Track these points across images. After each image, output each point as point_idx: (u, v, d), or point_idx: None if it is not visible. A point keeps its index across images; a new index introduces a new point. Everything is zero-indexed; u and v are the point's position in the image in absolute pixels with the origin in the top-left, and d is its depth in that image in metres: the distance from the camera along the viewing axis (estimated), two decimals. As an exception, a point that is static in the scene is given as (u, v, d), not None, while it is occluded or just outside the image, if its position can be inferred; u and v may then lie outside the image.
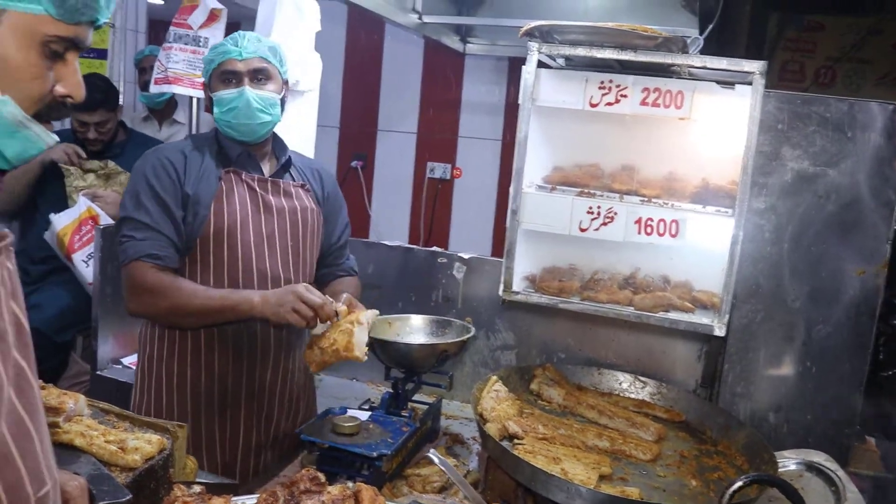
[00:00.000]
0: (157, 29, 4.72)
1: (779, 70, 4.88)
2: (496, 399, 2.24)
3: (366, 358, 2.05)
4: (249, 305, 2.01)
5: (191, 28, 3.18)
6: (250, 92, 2.10)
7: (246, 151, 2.22)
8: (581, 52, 2.28)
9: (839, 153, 2.25)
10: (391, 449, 1.97)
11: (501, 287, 2.49)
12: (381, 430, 2.10)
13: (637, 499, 1.76)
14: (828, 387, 2.34)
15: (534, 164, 2.47)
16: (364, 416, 2.19)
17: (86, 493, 1.24)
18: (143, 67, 4.17)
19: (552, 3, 4.25)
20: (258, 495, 1.43)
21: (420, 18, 3.95)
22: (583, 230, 2.38)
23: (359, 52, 5.34)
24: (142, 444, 1.53)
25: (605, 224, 2.35)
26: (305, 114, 3.08)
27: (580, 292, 2.50)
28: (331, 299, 2.04)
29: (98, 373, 2.97)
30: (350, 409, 2.25)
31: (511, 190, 2.44)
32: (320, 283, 2.43)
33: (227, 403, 2.22)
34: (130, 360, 3.07)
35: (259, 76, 2.13)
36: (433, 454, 1.83)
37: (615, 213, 2.34)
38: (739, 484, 1.64)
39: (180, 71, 3.20)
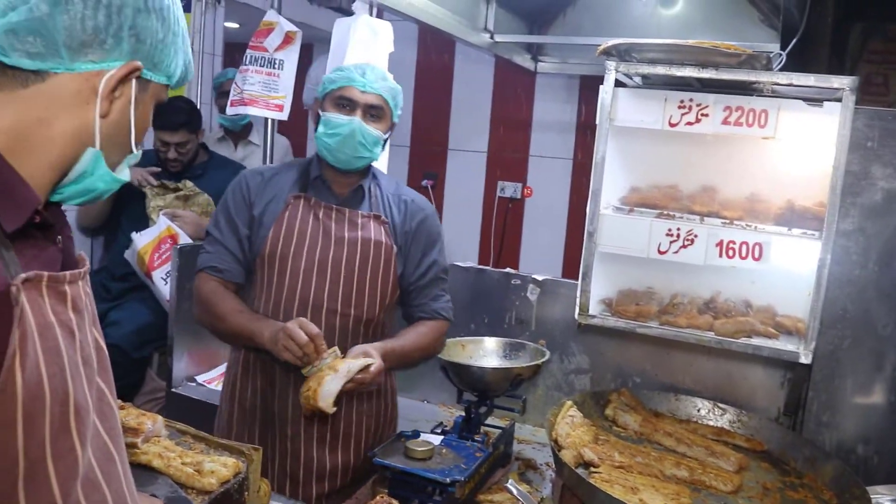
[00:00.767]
0: (233, 52, 4.83)
1: (861, 83, 4.71)
2: (571, 425, 2.19)
3: (332, 410, 1.94)
4: (260, 338, 2.04)
5: (266, 50, 3.23)
6: (360, 124, 2.11)
7: (321, 177, 2.22)
8: (660, 70, 2.23)
9: (934, 172, 2.15)
10: (465, 475, 1.94)
11: (577, 310, 2.44)
12: (455, 454, 2.07)
13: (721, 534, 1.69)
14: (923, 418, 2.22)
15: (611, 185, 2.43)
16: (437, 440, 2.17)
17: None
18: (224, 91, 4.27)
19: (625, 20, 4.20)
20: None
21: (492, 38, 3.94)
22: (662, 253, 2.32)
23: (429, 72, 5.36)
24: (217, 468, 1.53)
25: (684, 247, 2.29)
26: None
27: (658, 316, 2.44)
28: (321, 338, 1.97)
29: (173, 390, 3.02)
30: (423, 432, 2.23)
31: (588, 211, 2.40)
32: (408, 323, 2.38)
33: (291, 423, 2.21)
34: (205, 377, 3.11)
35: (373, 112, 2.14)
36: (512, 485, 1.80)
37: (695, 236, 2.28)
38: (833, 522, 1.56)
39: (256, 93, 3.25)
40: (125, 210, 3.63)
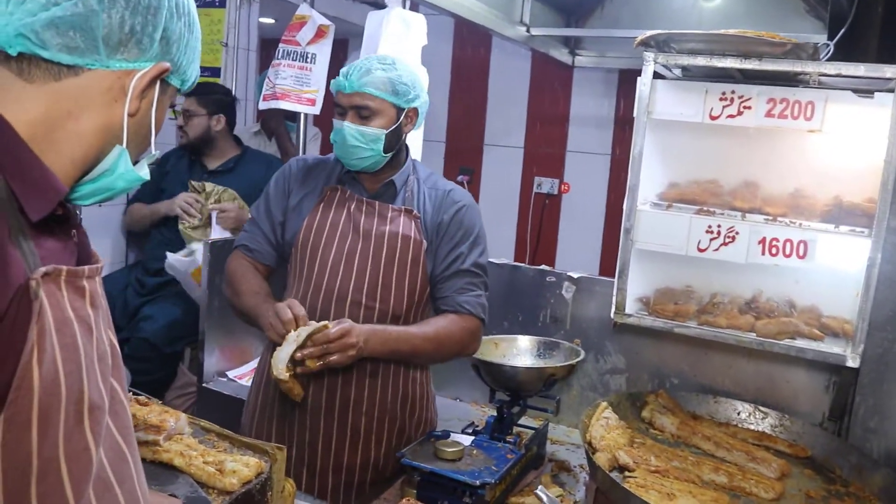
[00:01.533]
0: (269, 47, 4.82)
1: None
2: (606, 427, 2.12)
3: (283, 376, 1.86)
4: (263, 321, 2.03)
5: (298, 45, 3.21)
6: (348, 127, 2.10)
7: (351, 172, 2.22)
8: (700, 61, 2.15)
9: None
10: (495, 477, 1.89)
11: (613, 309, 2.37)
12: (485, 456, 2.03)
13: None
14: (978, 426, 2.12)
15: (648, 181, 2.35)
16: (467, 440, 2.12)
17: None
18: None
19: (664, 13, 4.10)
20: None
21: (528, 31, 3.87)
22: (701, 250, 2.24)
23: (465, 66, 5.31)
24: (239, 468, 1.50)
25: (725, 244, 2.20)
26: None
27: (697, 316, 2.36)
28: (305, 319, 1.94)
29: (204, 385, 3.01)
30: (453, 432, 2.18)
31: (624, 207, 2.33)
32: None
33: (310, 416, 2.18)
34: (235, 373, 3.10)
35: (362, 112, 2.10)
36: (542, 491, 1.75)
37: (737, 233, 2.20)
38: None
39: (288, 87, 3.22)
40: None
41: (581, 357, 2.34)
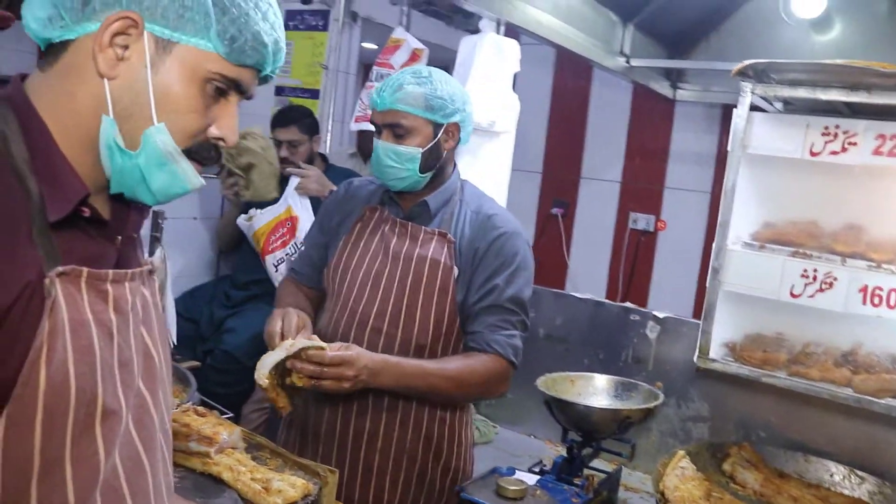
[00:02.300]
0: (368, 71, 4.89)
1: None
2: (681, 477, 2.00)
3: (262, 382, 1.71)
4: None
5: (392, 67, 3.22)
6: (382, 146, 2.00)
7: (389, 191, 2.12)
8: (802, 93, 2.02)
9: None
10: (556, 521, 1.80)
11: (696, 352, 2.24)
12: (549, 497, 1.93)
13: None
14: None
15: (741, 219, 2.22)
16: (532, 479, 2.03)
17: None
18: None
19: (774, 45, 3.92)
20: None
21: (628, 62, 3.78)
22: (795, 296, 2.08)
23: (565, 97, 5.24)
24: (285, 487, 1.47)
25: (821, 290, 2.05)
26: (500, 154, 3.01)
27: (788, 366, 2.20)
28: (293, 329, 1.84)
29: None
30: (519, 469, 2.10)
31: (714, 246, 2.21)
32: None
33: (323, 443, 2.07)
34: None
35: (396, 130, 1.98)
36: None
37: (835, 279, 2.04)
38: None
39: (381, 110, 3.23)
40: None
41: (659, 401, 2.21)
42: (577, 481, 2.05)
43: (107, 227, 0.98)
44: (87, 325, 0.88)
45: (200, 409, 1.72)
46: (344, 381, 1.79)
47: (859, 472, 2.16)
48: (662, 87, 4.34)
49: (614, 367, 2.70)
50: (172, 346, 2.27)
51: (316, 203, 3.38)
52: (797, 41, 3.82)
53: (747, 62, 2.06)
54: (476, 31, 3.09)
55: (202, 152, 1.00)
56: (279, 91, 4.62)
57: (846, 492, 2.14)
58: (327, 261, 2.16)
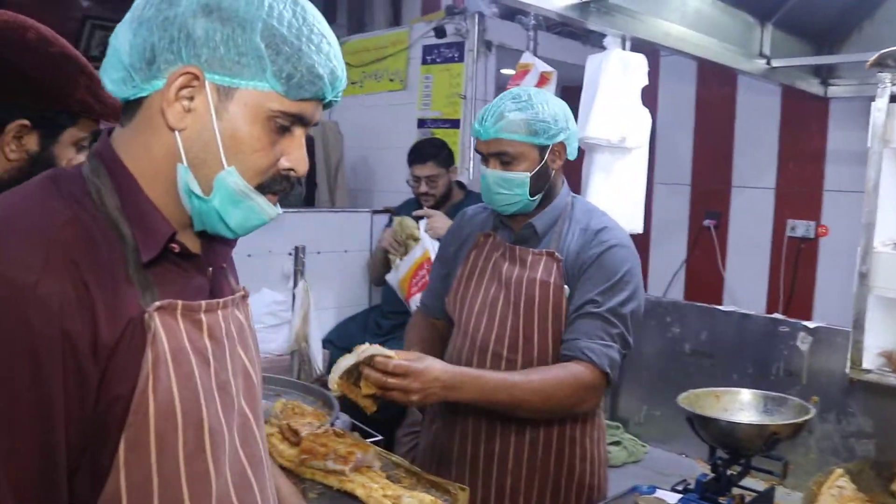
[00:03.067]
0: (506, 98, 4.94)
1: None
2: (838, 498, 1.89)
3: (332, 385, 1.74)
4: None
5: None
6: (490, 175, 2.03)
7: (500, 216, 2.15)
8: (946, 80, 1.88)
9: None
10: (695, 542, 1.74)
11: (848, 363, 2.11)
12: (691, 517, 1.88)
13: None
14: None
15: (890, 218, 2.08)
16: (674, 498, 1.98)
17: None
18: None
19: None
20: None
21: (769, 63, 3.62)
22: (954, 297, 1.93)
23: (710, 105, 5.07)
24: None
25: (983, 289, 1.88)
26: (633, 170, 2.97)
27: (954, 374, 2.03)
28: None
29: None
30: (661, 489, 2.05)
31: (859, 249, 2.08)
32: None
33: (458, 471, 2.10)
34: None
35: (502, 158, 2.01)
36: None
37: None
38: None
39: (513, 135, 3.27)
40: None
41: (809, 416, 2.09)
42: (722, 501, 1.97)
43: (197, 260, 1.06)
44: (185, 352, 0.96)
45: (339, 430, 1.81)
46: (411, 394, 1.75)
47: None
48: (811, 86, 4.11)
49: (765, 382, 2.58)
50: (318, 372, 2.39)
51: None
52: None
53: (883, 51, 1.95)
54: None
55: (274, 185, 1.04)
56: (421, 123, 4.78)
57: None
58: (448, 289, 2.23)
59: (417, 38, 4.81)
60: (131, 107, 1.01)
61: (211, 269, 1.08)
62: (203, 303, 1.02)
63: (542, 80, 3.25)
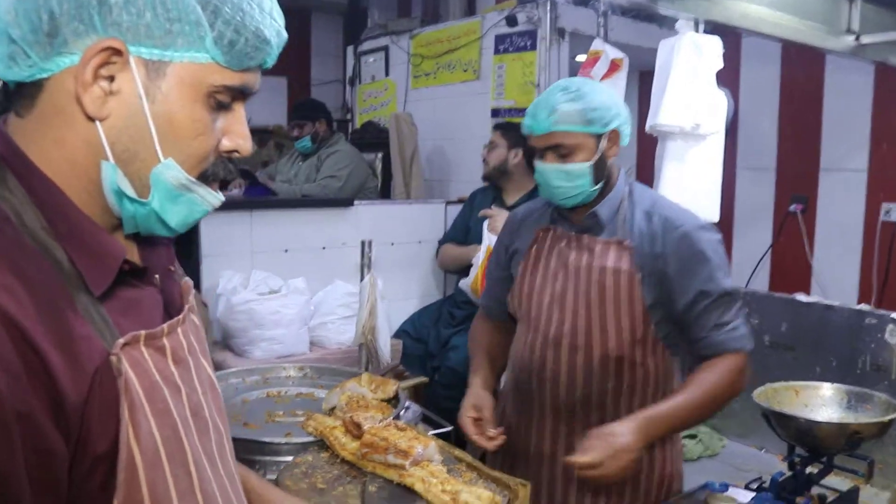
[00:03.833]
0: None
1: None
2: (926, 499, 1.78)
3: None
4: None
5: (593, 80, 3.20)
6: (549, 169, 1.99)
7: (558, 208, 2.12)
8: None
9: None
10: (768, 543, 1.68)
11: (937, 356, 1.99)
12: (764, 518, 1.81)
13: None
14: None
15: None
16: (747, 497, 1.91)
17: None
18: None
19: None
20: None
21: (857, 39, 3.44)
22: None
23: (796, 84, 4.86)
24: (472, 499, 1.52)
25: None
26: (709, 157, 2.87)
27: None
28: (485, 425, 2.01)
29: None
30: (734, 486, 1.98)
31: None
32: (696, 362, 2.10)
33: (535, 466, 2.11)
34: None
35: (559, 151, 1.97)
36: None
37: None
38: None
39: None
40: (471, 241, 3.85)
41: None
42: (799, 500, 1.90)
43: (144, 271, 0.91)
44: (158, 387, 0.84)
45: (401, 424, 1.81)
46: (613, 477, 1.80)
47: None
48: (905, 62, 3.89)
49: (851, 376, 2.47)
50: (386, 363, 2.40)
51: None
52: None
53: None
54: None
55: (217, 171, 0.90)
56: (494, 113, 4.77)
57: None
58: (509, 291, 2.20)
59: (490, 28, 4.78)
60: (28, 91, 0.82)
61: (158, 276, 0.94)
62: (165, 327, 0.88)
63: (613, 68, 3.17)
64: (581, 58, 5.12)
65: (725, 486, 1.95)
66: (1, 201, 0.78)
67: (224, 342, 3.35)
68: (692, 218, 2.05)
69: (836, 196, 4.78)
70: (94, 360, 0.78)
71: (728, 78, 3.00)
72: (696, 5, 2.72)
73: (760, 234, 4.96)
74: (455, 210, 4.26)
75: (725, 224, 5.04)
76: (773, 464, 2.62)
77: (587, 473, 1.78)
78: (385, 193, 4.94)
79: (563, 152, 1.97)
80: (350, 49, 6.17)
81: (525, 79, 4.52)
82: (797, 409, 2.14)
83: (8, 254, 0.74)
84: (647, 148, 4.49)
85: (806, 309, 2.61)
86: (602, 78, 3.18)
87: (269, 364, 2.41)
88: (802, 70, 4.80)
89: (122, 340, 0.80)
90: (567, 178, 1.98)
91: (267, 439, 1.79)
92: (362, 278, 2.72)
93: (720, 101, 2.86)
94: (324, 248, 3.62)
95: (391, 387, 2.06)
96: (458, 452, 1.79)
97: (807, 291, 4.62)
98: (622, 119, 2.03)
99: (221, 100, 0.86)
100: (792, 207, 4.91)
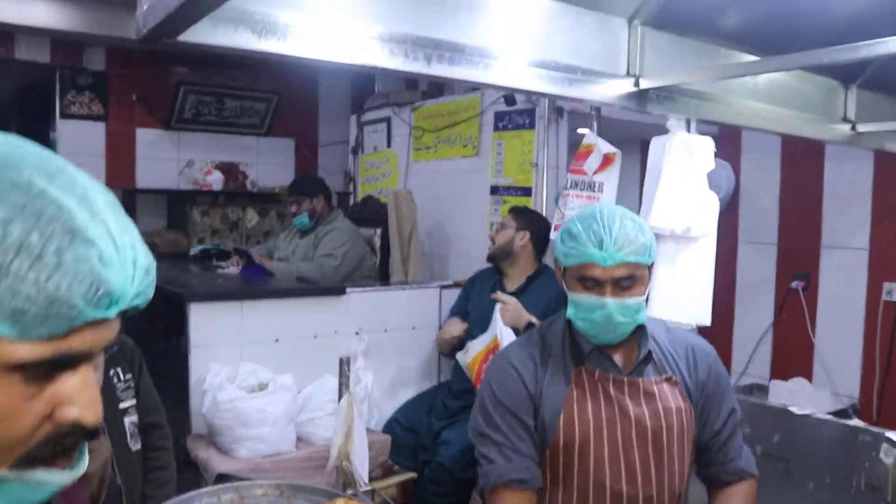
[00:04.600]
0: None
1: None
2: None
3: None
4: None
5: (586, 174, 3.18)
6: (613, 304, 1.82)
7: (597, 347, 1.95)
8: None
9: None
10: None
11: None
12: None
13: None
14: None
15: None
16: None
17: None
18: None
19: None
20: None
21: (853, 129, 3.41)
22: None
23: (796, 160, 4.85)
24: None
25: None
26: (700, 260, 2.83)
27: None
28: None
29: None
30: None
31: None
32: (706, 485, 2.07)
33: None
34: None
35: (624, 283, 1.82)
36: None
37: None
38: None
39: (576, 217, 3.20)
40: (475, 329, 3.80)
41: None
42: None
43: None
44: None
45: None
46: None
47: None
48: (903, 148, 3.86)
49: (845, 494, 2.40)
50: (363, 486, 2.34)
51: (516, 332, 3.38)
52: None
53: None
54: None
55: (57, 447, 0.69)
56: (494, 190, 4.76)
57: None
58: (539, 444, 1.91)
59: (489, 105, 4.79)
60: None
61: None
62: None
63: (607, 162, 3.15)
64: (583, 130, 5.16)
65: None
66: None
67: (209, 438, 3.29)
68: (709, 344, 2.07)
69: (837, 274, 4.73)
70: None
71: (729, 151, 2.96)
72: (687, 105, 2.70)
73: (762, 309, 4.92)
74: (450, 294, 4.22)
75: (727, 299, 4.99)
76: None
77: None
78: (383, 272, 4.91)
79: (626, 284, 1.83)
80: (353, 118, 6.20)
81: (524, 157, 4.52)
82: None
83: None
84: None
85: (799, 421, 2.54)
86: (595, 172, 3.17)
87: (244, 482, 2.34)
88: (802, 152, 4.79)
89: None
90: (627, 314, 1.84)
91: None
92: (340, 398, 2.67)
93: (711, 203, 2.83)
94: (315, 336, 3.59)
95: None
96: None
97: (809, 375, 4.56)
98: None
99: (34, 374, 0.67)
100: (794, 284, 4.87)
